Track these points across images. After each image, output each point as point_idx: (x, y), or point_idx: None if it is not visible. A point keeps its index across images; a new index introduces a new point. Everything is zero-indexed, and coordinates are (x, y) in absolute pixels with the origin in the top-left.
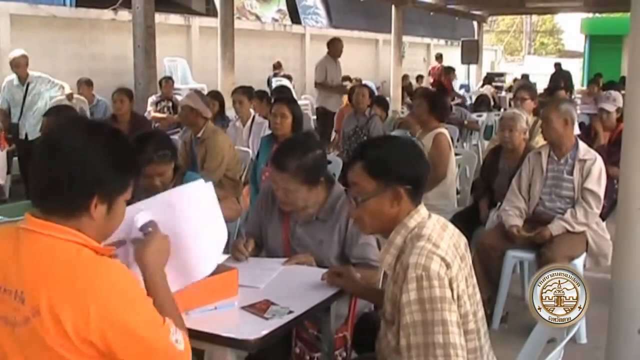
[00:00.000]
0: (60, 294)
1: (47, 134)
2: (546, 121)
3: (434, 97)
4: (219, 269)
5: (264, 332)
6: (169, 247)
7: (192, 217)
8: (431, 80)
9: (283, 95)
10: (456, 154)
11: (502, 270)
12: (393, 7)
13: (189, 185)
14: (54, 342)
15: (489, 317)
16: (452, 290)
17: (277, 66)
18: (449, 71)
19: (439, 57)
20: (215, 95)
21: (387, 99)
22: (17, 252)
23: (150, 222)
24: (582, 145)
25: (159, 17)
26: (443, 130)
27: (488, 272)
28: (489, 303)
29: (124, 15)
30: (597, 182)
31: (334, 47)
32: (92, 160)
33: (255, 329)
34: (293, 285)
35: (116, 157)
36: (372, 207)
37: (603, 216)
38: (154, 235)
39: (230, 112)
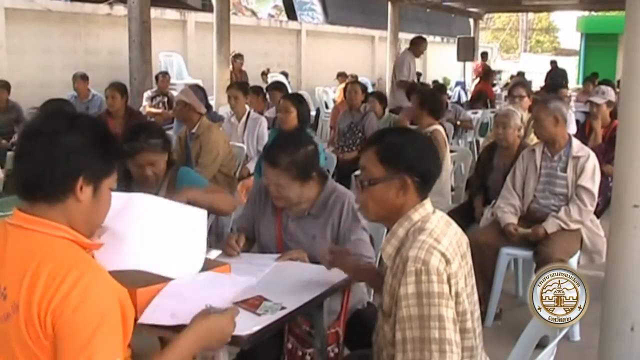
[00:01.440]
0: (37, 287)
1: (28, 125)
2: (537, 120)
3: (426, 94)
4: (212, 265)
5: (256, 328)
6: (219, 332)
7: (174, 229)
8: (474, 76)
9: (293, 93)
10: (451, 151)
11: (496, 268)
12: (389, 3)
13: (187, 207)
14: (32, 339)
15: (482, 315)
16: (450, 286)
17: (266, 73)
18: (488, 74)
19: (484, 55)
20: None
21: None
22: (4, 248)
23: (212, 308)
24: (576, 142)
25: (154, 12)
26: (439, 127)
27: (482, 270)
28: (482, 300)
29: (120, 9)
30: (591, 179)
31: (420, 46)
32: (74, 143)
33: (247, 324)
34: (286, 281)
35: (98, 141)
36: (378, 193)
37: (597, 213)
38: (222, 317)
39: (225, 108)
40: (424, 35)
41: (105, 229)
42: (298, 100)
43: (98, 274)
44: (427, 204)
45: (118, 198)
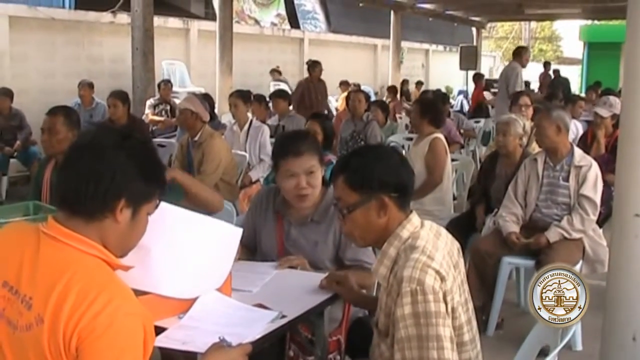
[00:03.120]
0: (65, 304)
1: (79, 137)
2: (539, 128)
3: (426, 103)
4: None
5: (257, 336)
6: None
7: (207, 247)
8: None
9: (319, 113)
10: (453, 160)
11: (497, 277)
12: (392, 12)
13: (224, 224)
14: (53, 355)
15: (484, 324)
16: (446, 304)
17: (278, 72)
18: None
19: (547, 64)
20: (205, 97)
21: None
22: (35, 256)
23: (225, 341)
24: (578, 152)
25: (157, 20)
26: (439, 135)
27: (483, 279)
28: (483, 309)
29: (123, 17)
30: (593, 188)
31: (523, 55)
32: (121, 163)
33: (249, 334)
34: (287, 289)
35: (145, 164)
36: (359, 219)
37: (599, 223)
38: (234, 351)
39: (227, 116)
40: (426, 44)
41: None
42: (325, 121)
43: (127, 299)
44: (414, 217)
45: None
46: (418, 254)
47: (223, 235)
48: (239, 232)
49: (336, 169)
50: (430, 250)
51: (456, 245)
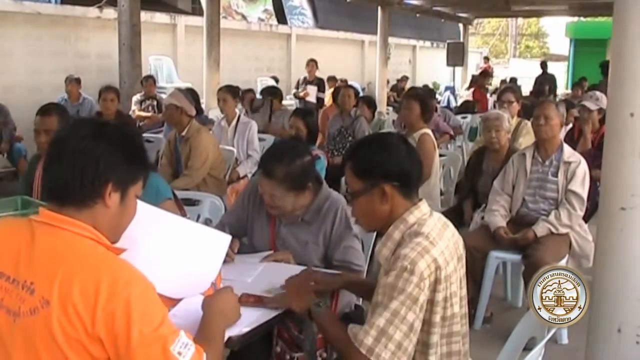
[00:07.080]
0: (73, 286)
1: (57, 133)
2: (547, 118)
3: (425, 99)
4: None
5: (246, 330)
6: (230, 302)
7: (193, 251)
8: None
9: (301, 109)
10: (440, 155)
11: (484, 271)
12: (379, 8)
13: (212, 231)
14: (60, 335)
15: (471, 318)
16: (435, 292)
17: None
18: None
19: (487, 59)
20: (190, 91)
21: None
22: (31, 243)
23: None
24: (567, 148)
25: (144, 16)
26: (428, 130)
27: (471, 273)
28: (471, 304)
29: (110, 13)
30: (582, 184)
31: None
32: (102, 150)
33: (237, 326)
34: (277, 283)
35: (124, 147)
36: (363, 206)
37: (585, 218)
38: (222, 290)
39: (215, 111)
40: (414, 40)
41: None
42: (309, 117)
43: (130, 273)
44: (423, 205)
45: (145, 210)
46: (421, 238)
47: (210, 242)
48: (227, 238)
49: (346, 155)
50: (434, 238)
51: (461, 241)
